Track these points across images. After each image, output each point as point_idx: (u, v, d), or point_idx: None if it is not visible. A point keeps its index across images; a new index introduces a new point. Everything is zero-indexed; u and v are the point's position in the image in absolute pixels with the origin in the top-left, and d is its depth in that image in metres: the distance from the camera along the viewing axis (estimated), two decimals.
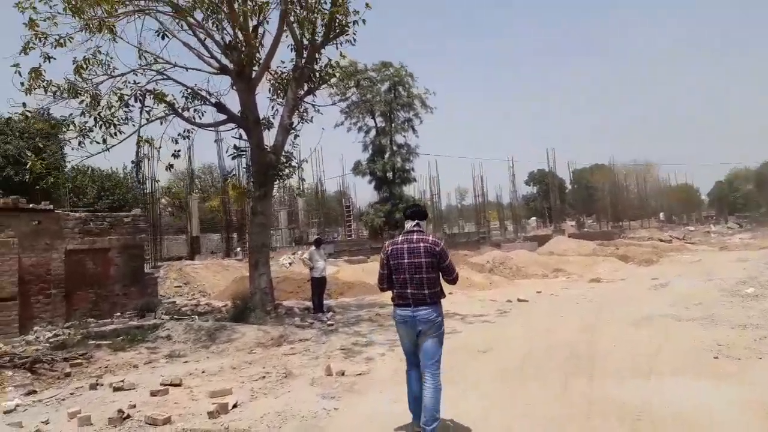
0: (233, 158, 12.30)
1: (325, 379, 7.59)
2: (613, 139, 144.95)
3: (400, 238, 5.09)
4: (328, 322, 12.16)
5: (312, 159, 35.35)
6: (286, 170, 13.07)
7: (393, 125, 24.99)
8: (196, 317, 12.27)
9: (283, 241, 34.89)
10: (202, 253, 35.41)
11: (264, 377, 7.96)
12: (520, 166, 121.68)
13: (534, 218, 73.97)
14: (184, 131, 13.26)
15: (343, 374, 7.74)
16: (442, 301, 5.09)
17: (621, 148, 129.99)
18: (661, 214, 65.14)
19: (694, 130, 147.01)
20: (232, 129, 13.10)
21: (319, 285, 13.38)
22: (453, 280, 5.04)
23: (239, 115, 12.90)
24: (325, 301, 16.24)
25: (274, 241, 37.64)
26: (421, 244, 4.92)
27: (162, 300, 15.04)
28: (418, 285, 4.85)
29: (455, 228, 58.77)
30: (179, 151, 13.24)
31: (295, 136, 13.35)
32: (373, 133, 25.61)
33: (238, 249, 30.81)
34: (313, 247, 13.66)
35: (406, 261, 4.90)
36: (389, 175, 25.28)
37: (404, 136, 25.55)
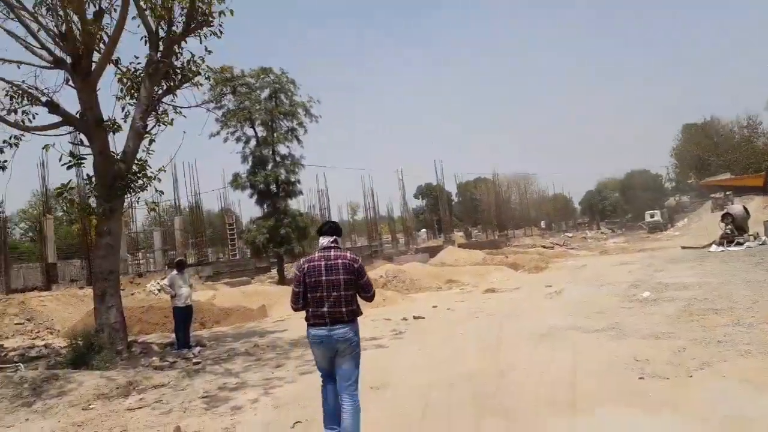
0: (68, 168, 10.02)
1: None
2: (496, 152, 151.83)
3: (316, 255, 4.87)
4: (194, 360, 10.20)
5: (185, 172, 32.53)
6: (140, 181, 10.98)
7: (275, 135, 23.01)
8: (21, 366, 9.80)
9: (156, 264, 31.59)
10: (61, 281, 31.39)
11: None
12: (409, 180, 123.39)
13: (424, 230, 74.69)
14: (10, 137, 10.84)
15: None
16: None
17: (503, 160, 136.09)
18: (542, 222, 68.10)
19: (569, 144, 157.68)
20: (69, 133, 10.82)
21: (183, 316, 11.34)
22: (371, 297, 4.97)
23: (78, 116, 10.70)
24: (194, 333, 14.17)
25: (147, 265, 34.22)
26: (339, 261, 4.77)
27: None
28: (336, 303, 4.70)
29: (348, 242, 57.59)
30: (5, 161, 10.86)
31: (150, 142, 11.29)
32: (253, 143, 23.47)
33: None
34: (174, 271, 11.58)
35: (323, 278, 4.72)
36: (272, 187, 23.19)
37: (288, 147, 23.64)
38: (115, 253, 10.83)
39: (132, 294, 21.26)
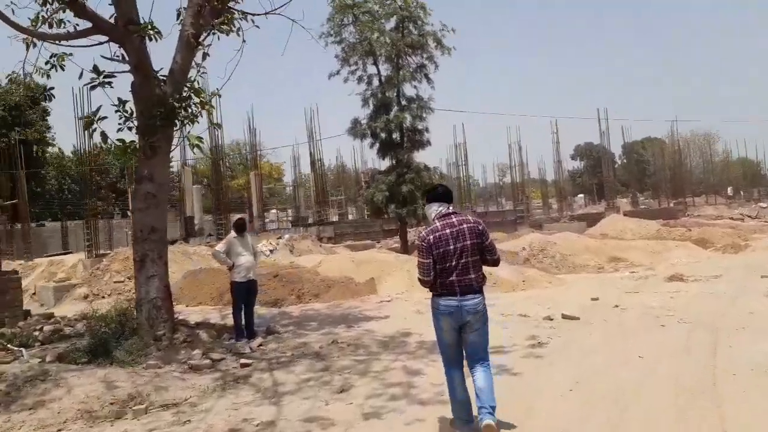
0: (91, 89, 7.51)
1: None
2: (672, 105, 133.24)
3: (439, 224, 4.57)
4: (243, 361, 7.35)
5: (308, 118, 29.97)
6: (191, 109, 8.23)
7: (401, 72, 19.54)
8: (24, 353, 7.59)
9: (281, 222, 30.12)
10: (204, 235, 31.28)
11: None
12: (565, 136, 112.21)
13: (581, 195, 67.72)
14: (51, 57, 8.64)
15: None
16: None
17: (680, 114, 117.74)
18: (729, 189, 57.79)
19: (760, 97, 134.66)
20: (99, 44, 8.29)
21: (243, 294, 8.57)
22: (497, 260, 4.70)
23: (114, 21, 8.13)
24: (279, 310, 11.66)
25: (275, 222, 33.00)
26: (465, 226, 4.52)
27: (29, 312, 10.50)
28: (464, 270, 4.45)
29: (492, 206, 53.29)
30: (52, 89, 8.74)
31: (204, 56, 8.45)
32: (375, 83, 20.25)
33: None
34: (232, 234, 8.81)
35: (452, 247, 4.45)
36: (395, 136, 19.91)
37: (415, 87, 19.93)
38: (159, 205, 8.22)
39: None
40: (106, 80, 7.74)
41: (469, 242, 4.45)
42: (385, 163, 22.11)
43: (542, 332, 8.02)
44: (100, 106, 8.00)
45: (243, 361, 7.35)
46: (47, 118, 34.68)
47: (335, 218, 38.75)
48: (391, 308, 10.82)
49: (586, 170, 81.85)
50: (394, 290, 12.77)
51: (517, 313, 9.43)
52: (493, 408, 4.36)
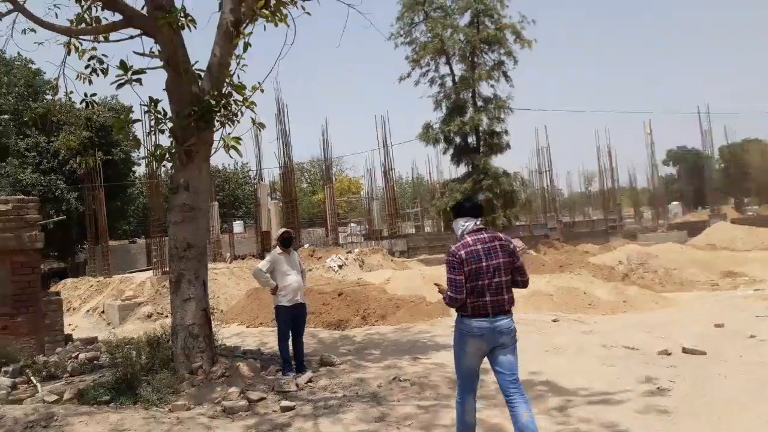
0: (118, 87, 6.64)
1: None
2: None
3: (469, 239, 4.35)
4: (284, 403, 6.11)
5: (377, 126, 28.76)
6: (231, 107, 7.20)
7: (476, 71, 17.94)
8: (39, 388, 6.70)
9: (352, 235, 29.04)
10: None
11: None
12: (658, 139, 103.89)
13: (676, 203, 62.92)
14: (90, 60, 8.01)
15: None
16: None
17: None
18: None
19: None
20: (130, 38, 7.45)
21: (290, 320, 7.36)
22: (526, 281, 4.51)
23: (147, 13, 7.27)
24: (341, 333, 10.46)
25: (349, 236, 31.95)
26: (497, 243, 4.35)
27: (71, 337, 9.78)
28: (497, 290, 4.26)
29: (579, 215, 50.17)
30: (94, 95, 8.08)
31: (245, 47, 7.41)
32: (449, 83, 18.76)
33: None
34: (276, 250, 7.62)
35: (484, 264, 4.26)
36: (471, 140, 18.26)
37: (492, 86, 18.21)
38: (196, 219, 7.19)
39: (309, 270, 18.53)
40: (135, 77, 6.83)
41: (502, 260, 4.28)
42: (460, 171, 20.69)
43: (660, 372, 6.26)
44: (131, 106, 7.16)
45: (284, 403, 6.11)
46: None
47: (411, 231, 37.34)
48: None
49: (681, 175, 76.25)
50: None
51: (622, 344, 7.67)
52: None
